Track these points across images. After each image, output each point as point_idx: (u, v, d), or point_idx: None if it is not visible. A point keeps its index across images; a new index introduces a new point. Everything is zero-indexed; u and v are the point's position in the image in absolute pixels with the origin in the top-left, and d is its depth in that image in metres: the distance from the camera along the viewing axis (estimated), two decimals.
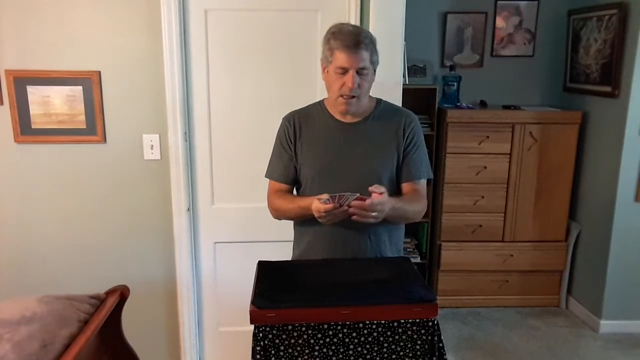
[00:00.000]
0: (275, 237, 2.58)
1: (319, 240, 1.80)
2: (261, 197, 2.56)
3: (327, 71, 1.72)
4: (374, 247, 1.80)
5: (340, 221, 1.64)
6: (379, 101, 1.86)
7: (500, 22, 3.64)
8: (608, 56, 3.13)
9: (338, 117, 1.79)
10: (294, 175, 1.85)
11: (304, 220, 1.79)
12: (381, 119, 1.80)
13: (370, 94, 1.81)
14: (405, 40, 2.44)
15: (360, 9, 2.40)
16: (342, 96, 1.70)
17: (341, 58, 1.64)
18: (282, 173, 1.85)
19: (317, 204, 1.58)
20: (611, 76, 3.09)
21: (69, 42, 2.34)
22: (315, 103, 1.88)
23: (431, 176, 1.88)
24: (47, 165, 2.45)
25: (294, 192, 1.91)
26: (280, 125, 1.87)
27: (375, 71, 1.74)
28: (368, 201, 1.55)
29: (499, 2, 3.61)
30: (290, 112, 1.88)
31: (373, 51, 1.69)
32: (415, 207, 1.77)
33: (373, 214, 1.56)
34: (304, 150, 1.81)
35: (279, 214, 1.85)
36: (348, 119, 1.79)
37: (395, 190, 1.81)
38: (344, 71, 1.66)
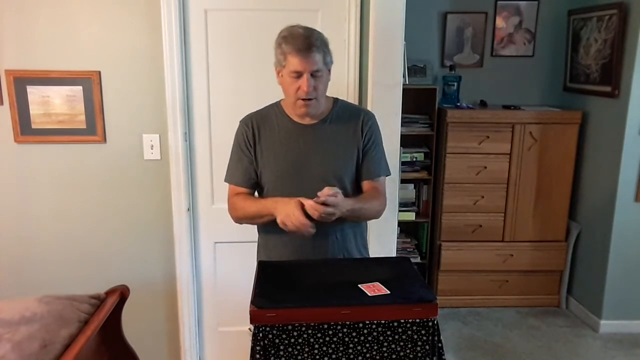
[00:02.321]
0: None
1: (286, 242, 1.79)
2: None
3: (282, 75, 1.72)
4: (340, 246, 1.81)
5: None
6: (335, 101, 1.86)
7: (500, 22, 3.64)
8: (608, 56, 3.13)
9: (296, 119, 1.79)
10: (254, 179, 1.83)
11: (267, 225, 1.77)
12: (339, 119, 1.81)
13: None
14: (405, 40, 2.44)
15: (360, 9, 2.40)
16: (300, 99, 1.70)
17: (294, 62, 1.65)
18: (242, 177, 1.83)
19: (300, 215, 1.56)
20: (611, 76, 3.09)
21: (69, 42, 2.34)
22: (272, 104, 1.87)
23: (390, 174, 1.89)
24: (47, 165, 2.45)
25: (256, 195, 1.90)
26: (238, 129, 1.86)
27: (330, 71, 1.74)
28: (320, 200, 1.55)
29: (499, 2, 3.61)
30: (247, 115, 1.88)
31: (326, 52, 1.69)
32: (374, 205, 1.78)
33: (327, 211, 1.55)
34: (264, 153, 1.80)
35: (238, 216, 1.83)
36: (306, 121, 1.79)
37: (356, 191, 1.82)
38: (299, 75, 1.66)
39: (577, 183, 3.49)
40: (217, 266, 2.67)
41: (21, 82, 2.34)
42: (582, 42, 3.41)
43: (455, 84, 3.54)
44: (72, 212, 2.51)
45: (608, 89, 3.13)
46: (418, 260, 3.62)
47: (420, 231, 3.71)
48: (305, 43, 1.63)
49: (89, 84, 2.37)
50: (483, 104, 3.65)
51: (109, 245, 2.55)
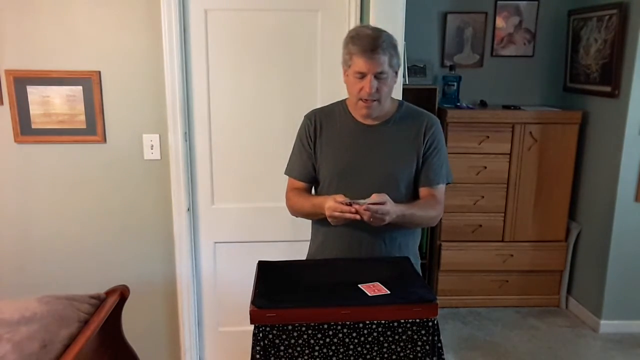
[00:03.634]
0: (275, 237, 2.59)
1: (334, 239, 1.80)
2: (261, 197, 2.59)
3: (347, 75, 1.72)
4: (388, 251, 1.79)
5: (356, 223, 1.63)
6: (401, 104, 1.85)
7: (500, 22, 3.64)
8: (608, 56, 3.13)
9: (359, 118, 1.79)
10: (312, 173, 1.84)
11: (319, 220, 1.78)
12: (402, 122, 1.79)
13: None
14: (405, 40, 2.44)
15: (360, 9, 2.40)
16: (361, 100, 1.69)
17: (359, 63, 1.64)
18: (300, 171, 1.85)
19: (332, 203, 1.58)
20: (611, 76, 3.09)
21: (69, 42, 2.34)
22: (338, 102, 1.87)
23: (451, 180, 1.85)
24: (47, 165, 2.45)
25: (312, 191, 1.91)
26: (302, 123, 1.87)
27: (397, 74, 1.73)
28: (370, 206, 1.54)
29: (499, 2, 3.61)
30: (312, 110, 1.88)
31: (393, 54, 1.67)
32: (430, 213, 1.76)
33: (377, 217, 1.55)
34: (324, 149, 1.80)
35: (294, 211, 1.86)
36: (369, 122, 1.78)
37: (412, 195, 1.81)
38: (362, 76, 1.65)
39: (577, 183, 3.49)
40: (217, 266, 2.67)
41: (21, 82, 2.34)
42: (582, 42, 3.41)
43: (455, 84, 3.54)
44: (72, 212, 2.51)
45: (608, 89, 3.13)
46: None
47: (420, 231, 3.71)
48: (371, 44, 1.62)
49: (89, 84, 2.37)
50: (483, 104, 3.64)
51: (109, 245, 2.55)
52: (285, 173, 1.90)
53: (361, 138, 1.78)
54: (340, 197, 1.58)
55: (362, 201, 1.55)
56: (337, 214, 1.57)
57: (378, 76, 1.65)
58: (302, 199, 1.81)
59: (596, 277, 3.28)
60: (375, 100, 1.69)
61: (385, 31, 1.69)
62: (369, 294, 1.45)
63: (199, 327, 2.73)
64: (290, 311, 1.40)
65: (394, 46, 1.69)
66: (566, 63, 3.61)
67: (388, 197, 1.59)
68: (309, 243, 1.95)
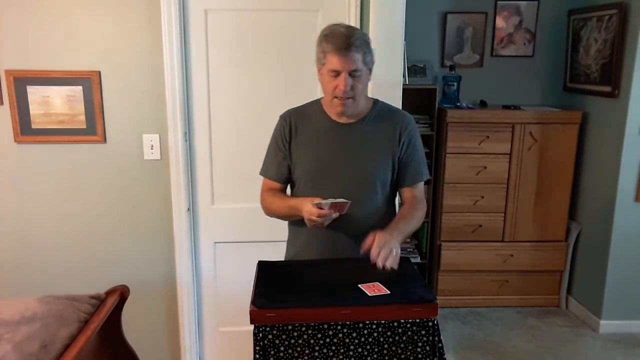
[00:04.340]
0: (275, 237, 2.57)
1: (314, 241, 1.80)
2: None
3: (322, 73, 1.72)
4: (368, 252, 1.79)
5: (337, 225, 1.65)
6: (376, 102, 1.85)
7: (500, 22, 3.64)
8: (608, 56, 3.13)
9: (334, 117, 1.79)
10: (287, 174, 1.85)
11: (297, 221, 1.78)
12: (377, 120, 1.80)
13: (370, 94, 1.81)
14: (405, 40, 2.44)
15: (360, 9, 2.40)
16: (336, 97, 1.69)
17: (333, 61, 1.64)
18: (275, 171, 1.85)
19: (311, 207, 1.58)
20: (611, 76, 3.09)
21: (69, 42, 2.34)
22: (313, 102, 1.88)
23: (429, 176, 1.87)
24: (47, 165, 2.45)
25: (288, 191, 1.91)
26: (277, 123, 1.87)
27: (371, 71, 1.73)
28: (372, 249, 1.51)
29: (499, 2, 3.61)
30: (287, 110, 1.88)
31: (366, 52, 1.67)
32: (417, 219, 1.75)
33: (390, 257, 1.51)
34: (299, 150, 1.81)
35: (269, 212, 1.86)
36: (344, 120, 1.78)
37: (388, 193, 1.81)
38: (337, 74, 1.65)
39: (577, 183, 3.49)
40: (217, 266, 2.67)
41: (21, 82, 2.34)
42: (582, 42, 3.41)
43: (455, 84, 3.54)
44: (72, 212, 2.51)
45: (608, 89, 3.13)
46: (418, 260, 3.62)
47: (420, 231, 3.71)
48: (344, 42, 1.62)
49: (89, 84, 2.37)
50: (483, 104, 3.64)
51: (109, 245, 2.55)
52: (261, 173, 1.90)
53: (336, 137, 1.78)
54: (316, 200, 1.59)
55: (324, 202, 1.56)
56: (314, 218, 1.58)
57: (352, 74, 1.65)
58: (278, 199, 1.81)
59: (596, 277, 3.28)
60: (350, 98, 1.69)
61: (358, 29, 1.70)
62: (369, 294, 1.45)
63: (199, 327, 2.73)
64: (290, 311, 1.40)
65: (367, 44, 1.69)
66: (566, 63, 3.61)
67: (383, 236, 1.54)
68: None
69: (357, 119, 1.78)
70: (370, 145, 1.77)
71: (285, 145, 1.82)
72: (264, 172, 1.89)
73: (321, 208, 1.56)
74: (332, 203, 1.56)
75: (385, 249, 1.50)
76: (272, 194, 1.84)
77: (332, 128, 1.79)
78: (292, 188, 1.89)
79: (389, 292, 1.46)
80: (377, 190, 1.77)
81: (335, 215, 1.59)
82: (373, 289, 1.48)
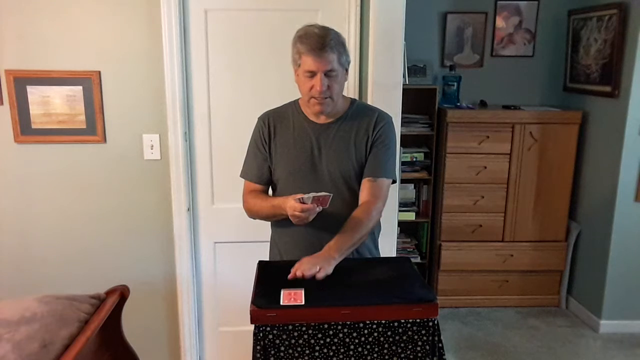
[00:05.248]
0: None
1: (297, 241, 1.81)
2: None
3: (298, 74, 1.73)
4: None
5: (319, 224, 1.66)
6: (353, 101, 1.86)
7: (500, 22, 3.64)
8: (608, 56, 3.13)
9: (312, 117, 1.80)
10: (268, 175, 1.86)
11: (280, 221, 1.79)
12: (354, 119, 1.81)
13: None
14: (405, 40, 2.44)
15: (360, 9, 2.40)
16: (313, 97, 1.70)
17: (308, 62, 1.65)
18: (256, 173, 1.86)
19: (294, 203, 1.59)
20: (611, 76, 3.09)
21: (69, 42, 2.34)
22: (290, 103, 1.88)
23: (395, 179, 1.84)
24: (47, 165, 2.45)
25: (270, 193, 1.92)
26: (256, 125, 1.88)
27: (347, 71, 1.74)
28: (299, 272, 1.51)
29: (499, 2, 3.61)
30: (265, 112, 1.89)
31: (341, 52, 1.68)
32: (362, 230, 1.67)
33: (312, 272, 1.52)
34: (278, 150, 1.82)
35: (252, 214, 1.86)
36: (322, 120, 1.79)
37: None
38: (312, 74, 1.66)
39: (577, 183, 3.49)
40: (217, 266, 2.67)
41: (21, 82, 2.34)
42: (582, 42, 3.41)
43: (455, 84, 3.54)
44: (72, 212, 2.51)
45: (608, 89, 3.13)
46: (418, 260, 3.62)
47: (420, 231, 3.71)
48: (319, 43, 1.63)
49: (89, 84, 2.37)
50: (483, 104, 3.64)
51: (109, 245, 2.55)
52: (241, 176, 1.90)
53: (314, 137, 1.79)
54: (299, 196, 1.60)
55: (306, 196, 1.58)
56: (297, 213, 1.58)
57: (328, 74, 1.66)
58: (260, 200, 1.82)
59: (596, 277, 3.28)
60: (327, 98, 1.70)
61: (333, 29, 1.70)
62: (282, 302, 1.41)
63: (199, 327, 2.73)
64: (290, 311, 1.40)
65: (342, 44, 1.70)
66: (566, 63, 3.61)
67: (316, 262, 1.53)
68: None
69: (334, 118, 1.80)
70: (347, 143, 1.78)
71: (265, 146, 1.83)
72: (244, 175, 1.90)
73: (304, 203, 1.57)
74: (315, 197, 1.57)
75: (306, 265, 1.52)
76: (254, 196, 1.85)
77: (310, 128, 1.80)
78: (274, 191, 1.90)
79: (302, 304, 1.41)
80: (357, 188, 1.78)
81: (318, 209, 1.59)
82: (290, 296, 1.44)
